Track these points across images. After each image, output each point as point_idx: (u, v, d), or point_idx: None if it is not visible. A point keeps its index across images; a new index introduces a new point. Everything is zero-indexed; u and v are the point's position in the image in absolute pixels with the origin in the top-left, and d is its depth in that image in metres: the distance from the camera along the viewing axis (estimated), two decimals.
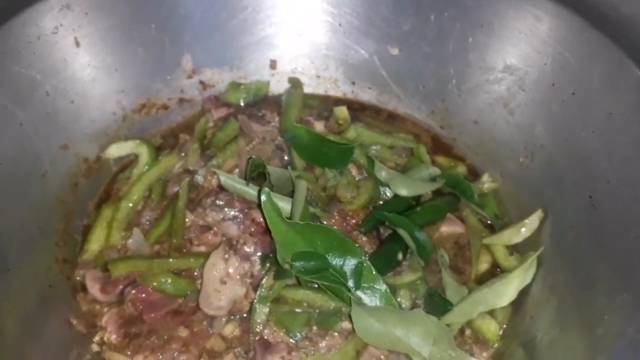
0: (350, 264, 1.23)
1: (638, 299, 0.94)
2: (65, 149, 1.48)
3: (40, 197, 1.40)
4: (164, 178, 1.55)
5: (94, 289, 1.31)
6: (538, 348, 1.16)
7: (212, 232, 1.37)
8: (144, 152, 1.57)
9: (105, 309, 1.30)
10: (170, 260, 1.33)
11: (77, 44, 1.51)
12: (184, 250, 1.38)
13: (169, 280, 1.29)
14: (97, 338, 1.26)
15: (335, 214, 1.43)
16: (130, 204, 1.48)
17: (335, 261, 1.23)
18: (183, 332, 1.24)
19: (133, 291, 1.28)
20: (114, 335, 1.24)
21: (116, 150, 1.59)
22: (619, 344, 0.83)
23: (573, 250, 1.25)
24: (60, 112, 1.48)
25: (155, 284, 1.29)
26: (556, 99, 1.43)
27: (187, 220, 1.42)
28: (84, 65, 1.54)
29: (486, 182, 1.58)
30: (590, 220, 1.23)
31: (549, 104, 1.45)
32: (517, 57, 1.53)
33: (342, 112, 1.73)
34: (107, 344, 1.25)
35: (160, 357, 1.19)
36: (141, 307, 1.26)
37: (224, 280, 1.25)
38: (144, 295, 1.28)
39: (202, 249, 1.36)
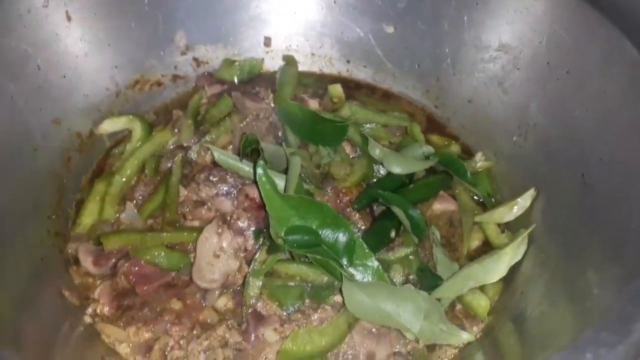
0: (342, 240, 1.24)
1: (627, 273, 0.94)
2: (58, 124, 1.47)
3: (32, 171, 1.39)
4: (158, 154, 1.55)
5: (86, 262, 1.31)
6: (528, 322, 1.17)
7: (205, 207, 1.37)
8: (137, 128, 1.56)
9: (98, 282, 1.31)
10: (164, 234, 1.33)
11: (69, 18, 1.49)
12: (177, 225, 1.38)
13: (162, 254, 1.29)
14: (89, 310, 1.27)
15: (328, 191, 1.43)
16: (124, 179, 1.47)
17: (328, 237, 1.24)
18: (176, 305, 1.24)
19: (126, 264, 1.28)
20: (107, 308, 1.25)
21: (109, 126, 1.58)
22: (608, 316, 0.83)
23: (565, 227, 1.26)
24: (52, 86, 1.46)
25: (148, 257, 1.29)
26: (551, 77, 1.43)
27: (180, 195, 1.42)
28: (75, 40, 1.52)
29: (479, 161, 1.58)
30: (582, 197, 1.24)
31: (543, 83, 1.45)
32: (513, 36, 1.53)
33: (336, 89, 1.73)
34: (100, 315, 1.25)
35: (153, 328, 1.20)
36: (134, 279, 1.27)
37: (217, 254, 1.25)
38: (136, 268, 1.28)
39: (196, 223, 1.36)
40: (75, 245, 1.36)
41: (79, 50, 1.53)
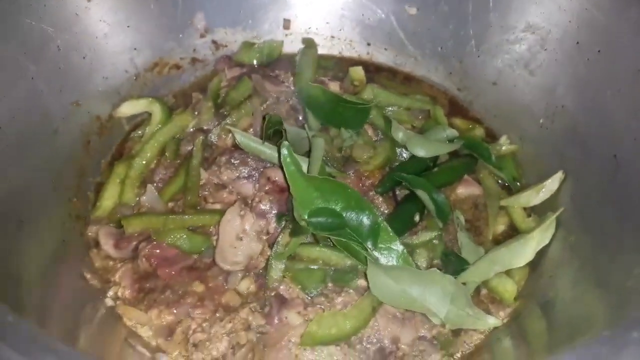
0: (367, 223, 1.22)
1: None
2: (77, 106, 1.46)
3: (52, 153, 1.37)
4: (178, 137, 1.53)
5: (107, 245, 1.30)
6: (557, 307, 1.14)
7: (227, 190, 1.35)
8: (156, 111, 1.54)
9: (119, 265, 1.29)
10: (186, 217, 1.31)
11: None
12: (199, 208, 1.37)
13: (184, 236, 1.28)
14: (110, 293, 1.26)
15: (351, 174, 1.41)
16: (144, 162, 1.46)
17: (352, 220, 1.22)
18: (198, 287, 1.23)
19: (148, 247, 1.27)
20: (128, 290, 1.24)
21: (128, 108, 1.57)
22: None
23: (595, 211, 1.22)
24: (72, 67, 1.45)
25: (170, 240, 1.27)
26: (580, 58, 1.39)
27: (201, 178, 1.40)
28: (95, 21, 1.51)
29: (504, 145, 1.55)
30: (614, 180, 1.20)
31: (572, 64, 1.41)
32: (540, 16, 1.49)
33: (357, 72, 1.70)
34: (122, 298, 1.24)
35: (175, 311, 1.19)
36: (156, 262, 1.25)
37: (240, 237, 1.24)
38: (158, 250, 1.26)
39: (217, 206, 1.35)
40: (96, 229, 1.35)
41: (99, 32, 1.52)
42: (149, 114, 1.57)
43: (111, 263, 1.32)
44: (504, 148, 1.54)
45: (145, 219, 1.32)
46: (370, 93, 1.59)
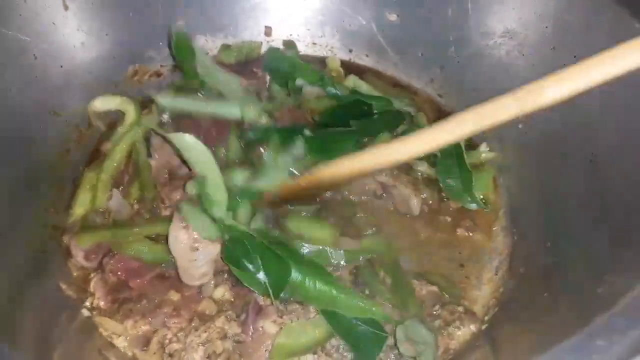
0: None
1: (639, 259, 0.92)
2: (55, 115, 1.45)
3: (30, 163, 1.36)
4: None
5: (78, 255, 1.28)
6: (528, 315, 1.14)
7: (180, 191, 1.33)
8: (130, 110, 1.51)
9: (92, 275, 1.28)
10: (135, 229, 1.29)
11: (66, 7, 1.47)
12: (155, 206, 1.36)
13: (145, 249, 1.26)
14: (87, 303, 1.25)
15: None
16: (114, 164, 1.43)
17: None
18: (174, 296, 1.22)
19: (111, 261, 1.25)
20: (102, 302, 1.23)
21: (101, 104, 1.53)
22: (620, 303, 0.80)
23: (572, 215, 1.23)
24: (49, 77, 1.44)
25: (130, 251, 1.25)
26: (557, 63, 1.37)
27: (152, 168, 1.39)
28: (73, 30, 1.50)
29: (484, 152, 1.55)
30: (591, 183, 1.20)
31: (549, 68, 1.40)
32: (518, 21, 1.50)
33: (334, 62, 1.71)
34: (97, 309, 1.23)
35: (151, 321, 1.18)
36: (123, 275, 1.24)
37: (195, 247, 1.20)
38: (122, 263, 1.25)
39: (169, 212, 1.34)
40: (68, 237, 1.33)
41: (76, 41, 1.51)
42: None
43: (88, 272, 1.31)
44: (483, 155, 1.54)
45: (97, 234, 1.28)
46: (351, 83, 1.60)
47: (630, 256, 0.95)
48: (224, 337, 1.16)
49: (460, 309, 1.24)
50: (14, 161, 1.32)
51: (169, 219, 1.25)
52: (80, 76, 1.53)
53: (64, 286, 1.26)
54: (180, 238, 1.20)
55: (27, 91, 1.37)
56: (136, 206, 1.38)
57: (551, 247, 1.22)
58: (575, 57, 1.34)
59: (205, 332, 1.15)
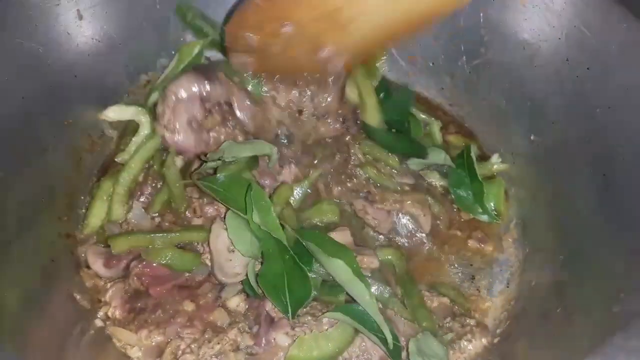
0: None
1: None
2: (68, 124, 1.46)
3: (43, 172, 1.37)
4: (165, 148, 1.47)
5: (96, 264, 1.29)
6: (541, 332, 1.14)
7: (214, 205, 1.34)
8: (145, 121, 1.50)
9: (109, 284, 1.29)
10: (172, 234, 1.30)
11: (80, 16, 1.48)
12: (185, 223, 1.36)
13: (175, 255, 1.27)
14: (101, 313, 1.25)
15: None
16: (131, 176, 1.42)
17: None
18: (189, 307, 1.22)
19: (139, 266, 1.26)
20: (119, 311, 1.23)
21: (115, 114, 1.52)
22: (636, 321, 0.80)
23: (585, 229, 1.22)
24: (62, 86, 1.44)
25: (160, 259, 1.27)
26: (570, 74, 1.39)
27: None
28: (87, 39, 1.50)
29: (495, 164, 1.54)
30: (604, 199, 1.20)
31: (562, 80, 1.41)
32: (530, 32, 1.49)
33: None
34: (112, 319, 1.24)
35: (165, 331, 1.18)
36: (147, 281, 1.25)
37: (232, 249, 1.23)
38: (149, 269, 1.26)
39: (200, 221, 1.35)
40: (85, 248, 1.34)
41: (90, 50, 1.51)
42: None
43: (102, 283, 1.31)
44: (495, 167, 1.53)
45: (132, 239, 1.30)
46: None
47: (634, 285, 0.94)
48: (237, 349, 1.17)
49: (472, 321, 1.24)
50: (28, 169, 1.32)
51: (204, 229, 1.29)
52: (94, 85, 1.53)
53: (78, 296, 1.26)
54: (221, 237, 1.24)
55: (41, 100, 1.38)
56: (157, 219, 1.38)
57: (564, 262, 1.22)
58: (588, 69, 1.34)
59: (218, 343, 1.16)
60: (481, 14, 1.57)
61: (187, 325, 1.19)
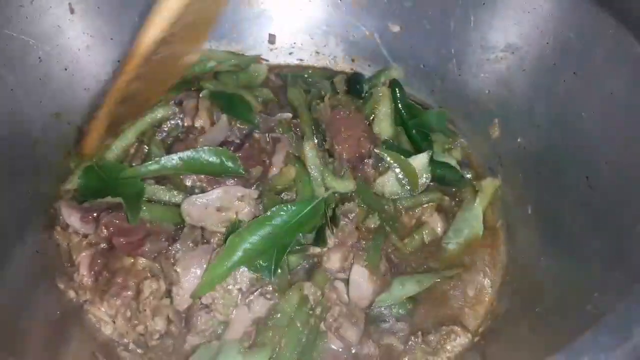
0: None
1: (629, 278, 0.92)
2: (58, 117, 1.46)
3: (31, 164, 1.37)
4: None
5: (71, 217, 1.29)
6: (517, 333, 1.15)
7: None
8: None
9: (84, 243, 1.29)
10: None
11: (72, 10, 1.48)
12: None
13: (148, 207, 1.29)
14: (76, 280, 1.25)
15: None
16: (124, 144, 1.47)
17: None
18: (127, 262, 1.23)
19: (108, 216, 1.26)
20: (86, 278, 1.23)
21: None
22: (607, 320, 0.81)
23: (568, 230, 1.23)
24: (53, 79, 1.45)
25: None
26: (557, 79, 1.40)
27: None
28: (78, 33, 1.51)
29: (490, 186, 1.51)
30: (586, 201, 1.21)
31: (549, 84, 1.42)
32: (519, 36, 1.50)
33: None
34: (82, 287, 1.24)
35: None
36: (113, 231, 1.25)
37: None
38: (117, 220, 1.26)
39: None
40: (59, 203, 1.34)
41: (81, 44, 1.52)
42: None
43: (76, 240, 1.30)
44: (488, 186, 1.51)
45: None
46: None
47: (619, 276, 0.96)
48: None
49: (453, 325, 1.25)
50: (16, 161, 1.33)
51: None
52: (84, 79, 1.54)
53: (61, 285, 1.26)
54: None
55: (30, 93, 1.39)
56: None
57: (546, 263, 1.23)
58: (575, 73, 1.35)
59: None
60: (472, 17, 1.58)
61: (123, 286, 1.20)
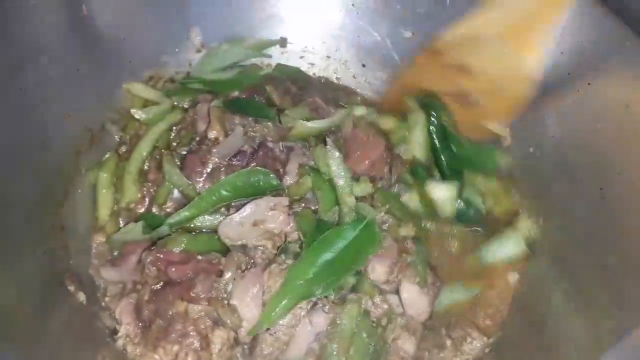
0: None
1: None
2: (68, 117, 1.45)
3: (42, 164, 1.36)
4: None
5: (111, 272, 1.30)
6: (541, 333, 1.14)
7: None
8: (165, 105, 1.56)
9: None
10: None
11: (84, 9, 1.47)
12: None
13: (190, 239, 1.28)
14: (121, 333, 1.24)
15: None
16: (142, 154, 1.48)
17: None
18: (180, 307, 1.20)
19: (150, 255, 1.25)
20: (132, 327, 1.21)
21: (139, 91, 1.59)
22: (627, 338, 0.80)
23: (582, 241, 1.23)
24: (64, 79, 1.44)
25: (176, 246, 1.26)
26: (571, 89, 1.40)
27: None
28: (90, 32, 1.50)
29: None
30: (600, 212, 1.21)
31: (563, 94, 1.42)
32: None
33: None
34: (129, 337, 1.22)
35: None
36: (164, 266, 1.23)
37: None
38: (161, 255, 1.25)
39: None
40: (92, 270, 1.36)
41: (93, 43, 1.51)
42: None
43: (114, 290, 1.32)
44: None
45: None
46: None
47: (629, 301, 0.95)
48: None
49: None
50: (27, 160, 1.32)
51: None
52: (95, 78, 1.53)
53: (71, 287, 1.25)
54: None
55: (41, 92, 1.38)
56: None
57: (559, 273, 1.22)
58: (589, 84, 1.34)
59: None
60: None
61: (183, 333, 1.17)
